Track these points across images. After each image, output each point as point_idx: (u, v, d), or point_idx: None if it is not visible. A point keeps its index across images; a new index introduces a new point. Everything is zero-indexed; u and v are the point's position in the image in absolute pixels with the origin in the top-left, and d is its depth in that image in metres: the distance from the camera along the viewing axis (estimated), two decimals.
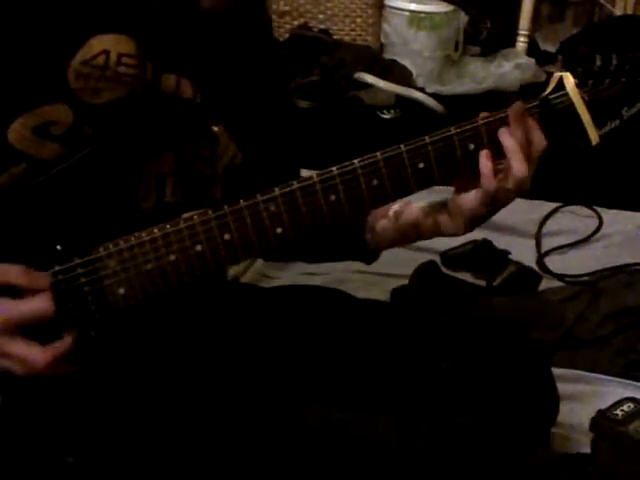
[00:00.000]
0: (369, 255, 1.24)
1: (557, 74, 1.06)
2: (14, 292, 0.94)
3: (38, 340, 0.94)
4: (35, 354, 0.93)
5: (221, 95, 1.12)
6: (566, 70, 1.06)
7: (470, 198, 1.06)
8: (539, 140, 1.04)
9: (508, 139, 1.02)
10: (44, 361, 0.93)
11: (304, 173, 1.03)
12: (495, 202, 1.06)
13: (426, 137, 1.03)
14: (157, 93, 1.05)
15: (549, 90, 1.06)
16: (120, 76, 1.02)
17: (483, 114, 1.05)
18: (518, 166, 1.03)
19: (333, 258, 1.39)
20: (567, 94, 1.05)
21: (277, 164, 1.26)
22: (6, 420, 0.98)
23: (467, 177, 1.05)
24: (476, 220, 1.08)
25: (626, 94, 1.06)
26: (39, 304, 0.94)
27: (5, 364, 0.94)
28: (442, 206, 1.11)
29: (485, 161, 1.03)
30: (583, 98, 1.05)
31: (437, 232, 1.14)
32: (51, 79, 0.99)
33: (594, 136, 1.06)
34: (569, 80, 1.05)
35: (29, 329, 0.94)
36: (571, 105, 1.05)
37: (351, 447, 1.07)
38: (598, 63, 1.05)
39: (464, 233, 1.11)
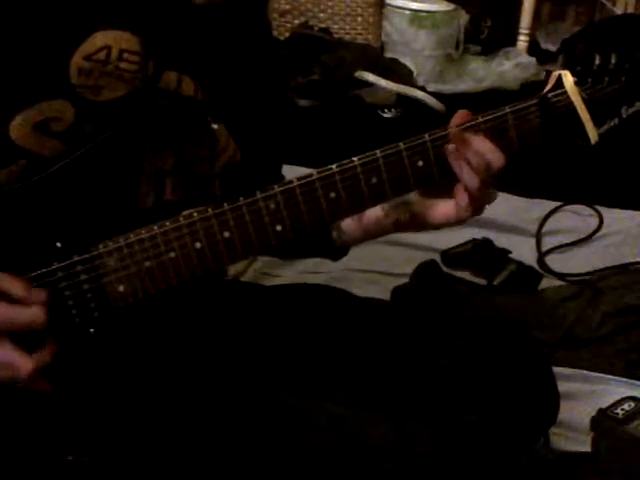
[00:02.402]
0: (336, 252, 1.26)
1: (556, 72, 1.06)
2: (9, 299, 0.94)
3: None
4: (21, 361, 0.92)
5: (222, 93, 1.11)
6: (565, 68, 1.05)
7: (443, 212, 1.09)
8: (492, 156, 1.04)
9: (454, 161, 1.04)
10: (28, 369, 0.92)
11: (304, 172, 1.03)
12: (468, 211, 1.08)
13: (426, 135, 1.03)
14: (158, 90, 1.05)
15: (548, 88, 1.06)
16: (121, 72, 1.02)
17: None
18: (469, 180, 1.04)
19: (301, 254, 1.41)
20: (566, 92, 1.05)
21: (273, 162, 1.26)
22: (6, 419, 0.98)
23: (440, 183, 1.06)
24: (443, 227, 1.12)
25: (625, 93, 1.06)
26: (32, 313, 0.93)
27: None
28: (404, 206, 1.13)
29: (461, 193, 1.05)
30: (582, 97, 1.05)
31: (400, 231, 1.17)
32: (52, 74, 0.99)
33: (593, 135, 1.06)
34: (568, 78, 1.05)
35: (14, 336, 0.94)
36: (570, 104, 1.05)
37: (351, 444, 1.07)
38: (597, 62, 1.05)
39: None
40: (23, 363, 0.92)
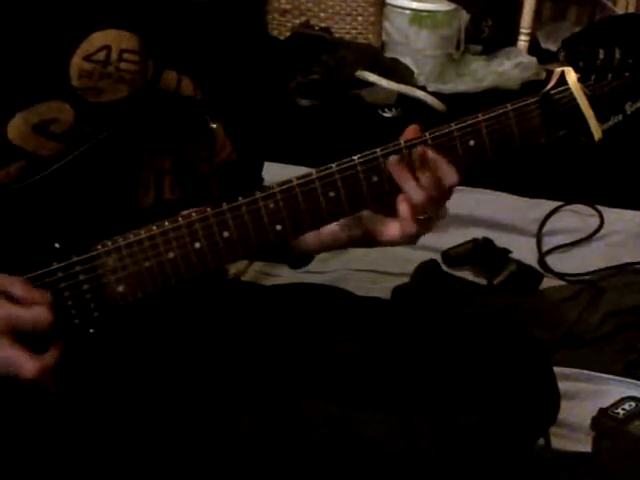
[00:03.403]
0: (295, 259, 1.25)
1: (558, 69, 1.05)
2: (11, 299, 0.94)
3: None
4: (26, 361, 0.92)
5: (219, 93, 1.11)
6: (568, 65, 1.05)
7: (389, 232, 1.09)
8: (446, 174, 1.03)
9: (402, 180, 1.03)
10: (33, 369, 0.92)
11: (305, 172, 1.03)
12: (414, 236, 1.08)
13: (426, 133, 1.03)
14: (158, 90, 1.05)
15: (550, 85, 1.05)
16: (121, 73, 1.01)
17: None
18: (416, 196, 1.03)
19: (261, 257, 1.41)
20: (569, 89, 1.05)
21: (258, 162, 1.26)
22: (7, 418, 0.98)
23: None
24: (390, 245, 1.11)
25: (629, 88, 1.05)
26: (39, 313, 0.93)
27: None
28: (358, 221, 1.12)
29: (404, 205, 1.04)
30: (585, 93, 1.04)
31: (353, 246, 1.18)
32: (52, 75, 0.99)
33: (597, 131, 1.05)
34: (571, 75, 1.04)
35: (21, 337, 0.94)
36: (573, 100, 1.05)
37: (351, 444, 1.07)
38: (601, 57, 1.04)
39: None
40: (27, 363, 0.92)
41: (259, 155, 1.28)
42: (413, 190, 1.02)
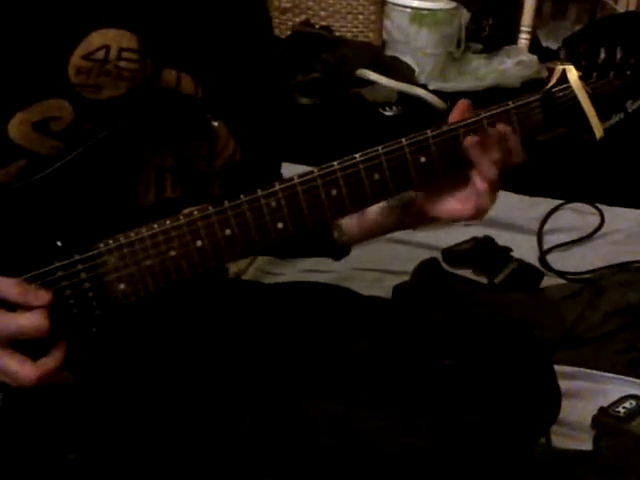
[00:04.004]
0: (338, 251, 1.25)
1: (560, 67, 1.05)
2: (10, 305, 0.93)
3: (29, 353, 0.93)
4: (26, 370, 0.92)
5: (222, 90, 1.11)
6: (569, 63, 1.05)
7: (449, 209, 1.09)
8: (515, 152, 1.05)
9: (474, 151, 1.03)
10: (35, 377, 0.92)
11: (306, 170, 1.03)
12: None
13: (428, 131, 1.03)
14: (157, 88, 1.05)
15: (552, 83, 1.05)
16: (121, 71, 1.01)
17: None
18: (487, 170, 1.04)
19: (302, 254, 1.40)
20: (570, 87, 1.04)
21: (272, 161, 1.26)
22: (7, 417, 0.98)
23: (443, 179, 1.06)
24: (447, 224, 1.11)
25: (631, 87, 1.05)
26: (34, 320, 0.92)
27: None
28: (405, 204, 1.12)
29: (480, 181, 1.04)
30: (587, 91, 1.04)
31: (402, 228, 1.18)
32: (51, 74, 0.99)
33: (598, 130, 1.05)
34: (572, 73, 1.04)
35: (20, 342, 0.93)
36: (574, 98, 1.04)
37: (353, 443, 1.07)
38: (602, 56, 1.04)
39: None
40: (29, 373, 0.92)
41: (272, 154, 1.27)
42: (487, 166, 1.03)
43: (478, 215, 1.08)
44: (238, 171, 1.14)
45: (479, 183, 1.04)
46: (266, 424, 1.10)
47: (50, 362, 0.94)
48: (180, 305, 1.08)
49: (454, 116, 1.06)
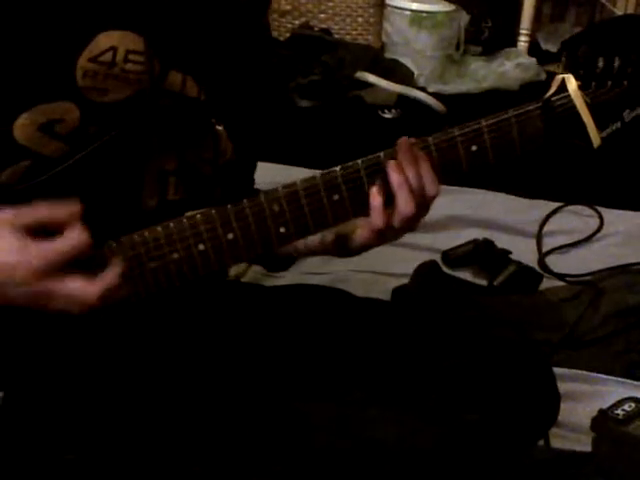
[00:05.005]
0: (275, 263, 1.26)
1: (559, 76, 1.06)
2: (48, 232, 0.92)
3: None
4: (89, 288, 0.91)
5: (222, 94, 1.12)
6: (568, 72, 1.06)
7: (359, 231, 1.07)
8: (430, 182, 1.03)
9: (394, 174, 1.02)
10: (98, 293, 0.91)
11: (305, 173, 1.03)
12: (382, 237, 1.06)
13: (429, 138, 1.04)
14: (163, 91, 1.05)
15: (551, 92, 1.06)
16: (127, 74, 1.02)
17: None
18: (403, 204, 1.02)
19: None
20: (569, 96, 1.05)
21: (253, 162, 1.27)
22: (7, 416, 0.98)
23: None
24: (363, 249, 1.10)
25: (628, 96, 1.06)
26: (74, 237, 0.91)
27: (59, 305, 0.91)
28: (340, 237, 1.12)
29: (376, 195, 1.02)
30: (585, 101, 1.05)
31: (324, 253, 1.17)
32: (58, 76, 0.99)
33: (596, 139, 1.06)
34: (571, 82, 1.05)
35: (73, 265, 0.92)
36: (573, 107, 1.06)
37: (353, 444, 1.08)
38: (600, 65, 1.05)
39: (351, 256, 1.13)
40: (89, 291, 0.91)
41: (255, 157, 1.28)
42: (403, 197, 1.02)
43: (373, 238, 1.07)
44: (231, 171, 1.14)
45: (375, 199, 1.02)
46: (267, 426, 1.10)
47: (109, 276, 0.93)
48: (180, 306, 1.08)
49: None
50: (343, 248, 1.12)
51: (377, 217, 1.03)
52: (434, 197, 1.04)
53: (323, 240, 1.13)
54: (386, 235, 1.05)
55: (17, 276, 0.89)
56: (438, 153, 1.04)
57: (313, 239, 1.12)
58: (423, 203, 1.04)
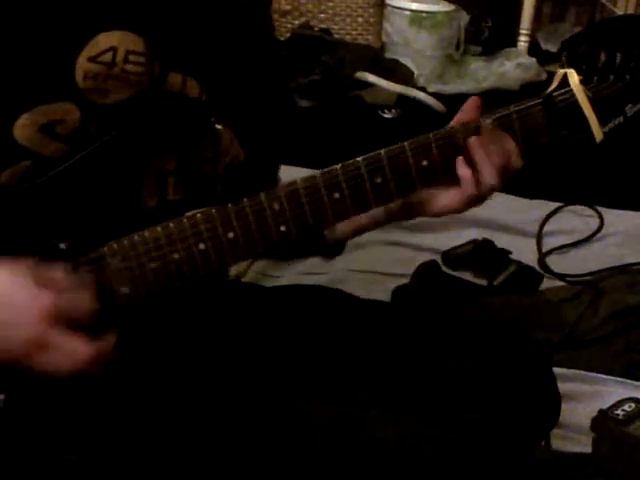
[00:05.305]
0: (330, 249, 1.25)
1: (561, 71, 1.06)
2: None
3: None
4: (82, 348, 0.91)
5: (226, 94, 1.12)
6: (570, 67, 1.06)
7: (444, 203, 1.10)
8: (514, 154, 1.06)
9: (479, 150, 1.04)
10: (90, 355, 0.91)
11: (305, 173, 1.03)
12: (471, 203, 1.09)
13: (430, 134, 1.04)
14: (163, 92, 1.05)
15: (553, 87, 1.06)
16: (127, 75, 1.02)
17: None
18: (488, 175, 1.05)
19: (295, 254, 1.42)
20: (571, 91, 1.05)
21: (271, 163, 1.26)
22: (8, 417, 0.98)
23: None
24: (444, 214, 1.12)
25: (630, 91, 1.06)
26: (85, 299, 0.92)
27: (51, 358, 0.91)
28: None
29: (463, 169, 1.05)
30: (587, 95, 1.05)
31: (392, 220, 1.18)
32: (58, 76, 0.99)
33: (598, 133, 1.06)
34: (574, 77, 1.05)
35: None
36: (575, 102, 1.05)
37: (353, 444, 1.07)
38: (602, 59, 1.05)
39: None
40: (84, 350, 0.91)
41: (272, 156, 1.28)
42: (488, 171, 1.05)
43: (471, 206, 1.10)
44: (240, 173, 1.14)
45: (472, 183, 1.05)
46: (268, 425, 1.10)
47: (104, 344, 0.93)
48: (181, 306, 1.08)
49: (466, 111, 1.07)
50: (412, 214, 1.14)
51: (467, 186, 1.06)
52: (518, 169, 1.06)
53: (388, 210, 1.14)
54: (475, 201, 1.08)
55: (24, 315, 0.89)
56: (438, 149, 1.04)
57: (378, 209, 1.13)
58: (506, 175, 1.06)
